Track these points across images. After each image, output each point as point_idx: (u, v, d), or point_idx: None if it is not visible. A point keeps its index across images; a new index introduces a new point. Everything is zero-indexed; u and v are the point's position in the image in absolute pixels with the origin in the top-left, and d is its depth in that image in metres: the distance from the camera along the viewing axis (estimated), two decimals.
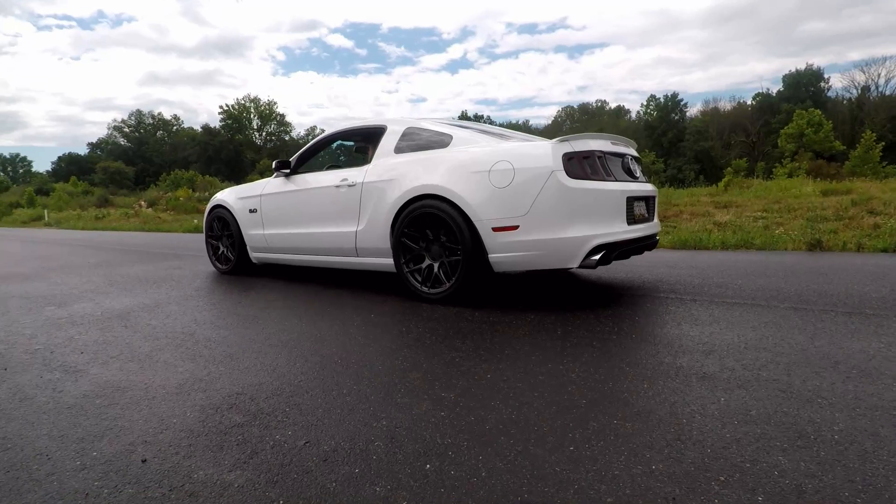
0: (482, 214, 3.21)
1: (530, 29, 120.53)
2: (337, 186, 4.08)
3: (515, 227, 3.13)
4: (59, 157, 73.88)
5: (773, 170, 28.19)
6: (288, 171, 4.62)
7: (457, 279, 3.40)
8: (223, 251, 5.38)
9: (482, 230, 3.23)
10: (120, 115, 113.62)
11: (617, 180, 3.34)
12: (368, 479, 1.43)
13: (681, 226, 8.33)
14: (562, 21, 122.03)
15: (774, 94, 55.38)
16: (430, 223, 3.48)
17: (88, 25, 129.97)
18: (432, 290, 3.55)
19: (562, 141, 3.18)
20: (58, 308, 3.79)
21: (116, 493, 1.41)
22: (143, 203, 27.97)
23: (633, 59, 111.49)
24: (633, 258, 4.93)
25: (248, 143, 70.41)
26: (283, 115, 74.75)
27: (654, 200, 3.80)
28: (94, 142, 74.62)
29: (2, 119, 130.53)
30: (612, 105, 71.08)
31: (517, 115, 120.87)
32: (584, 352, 2.43)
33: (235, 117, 70.78)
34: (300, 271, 5.14)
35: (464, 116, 73.14)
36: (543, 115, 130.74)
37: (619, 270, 4.60)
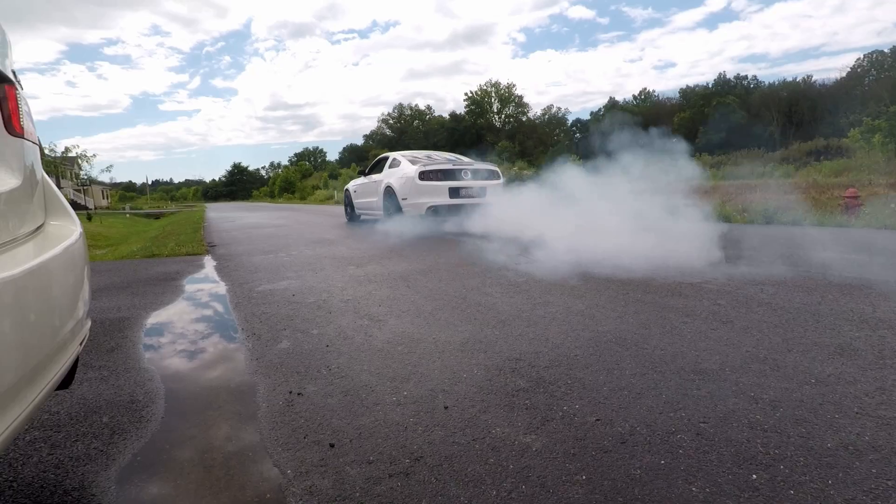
0: (400, 194, 7.69)
1: None
2: (373, 181, 8.93)
3: (406, 198, 7.58)
4: (343, 148, 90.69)
5: None
6: (364, 173, 9.76)
7: (392, 217, 7.83)
8: (348, 210, 10.80)
9: (400, 199, 7.68)
10: (386, 109, 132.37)
11: (444, 181, 7.44)
12: (679, 475, 1.27)
13: None
14: None
15: None
16: (390, 196, 8.05)
17: (365, 34, 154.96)
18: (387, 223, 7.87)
19: (422, 166, 7.48)
20: (357, 268, 4.56)
21: (428, 432, 1.55)
22: None
23: None
24: None
25: (489, 126, 74.61)
26: (520, 97, 76.84)
27: (482, 189, 7.59)
28: (367, 133, 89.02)
29: (307, 120, 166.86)
30: None
31: (795, 70, 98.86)
32: None
33: (478, 102, 75.62)
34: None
35: (720, 79, 63.54)
36: (834, 67, 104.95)
37: None
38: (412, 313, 2.91)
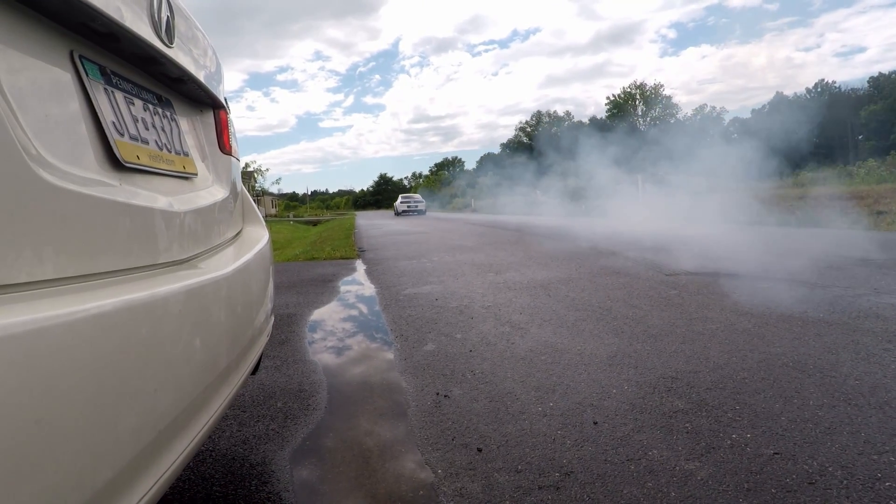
0: (396, 206, 31.96)
1: None
2: (395, 203, 33.20)
3: (397, 208, 31.81)
4: (481, 157, 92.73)
5: None
6: (399, 197, 33.12)
7: (396, 215, 30.74)
8: (394, 212, 32.96)
9: (397, 208, 31.69)
10: (524, 118, 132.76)
11: (405, 204, 31.17)
12: None
13: None
14: None
15: None
16: (402, 209, 31.14)
17: (505, 44, 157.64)
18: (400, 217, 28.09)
19: (403, 198, 32.21)
20: (496, 275, 4.60)
21: (577, 446, 1.49)
22: (538, 192, 32.03)
23: None
24: None
25: (631, 130, 70.60)
26: (668, 98, 71.46)
27: (416, 205, 31.09)
28: (504, 142, 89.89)
29: (447, 131, 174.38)
30: None
31: None
32: None
33: (620, 106, 72.03)
34: (709, 255, 4.69)
35: None
36: None
37: None
38: (554, 323, 2.84)
